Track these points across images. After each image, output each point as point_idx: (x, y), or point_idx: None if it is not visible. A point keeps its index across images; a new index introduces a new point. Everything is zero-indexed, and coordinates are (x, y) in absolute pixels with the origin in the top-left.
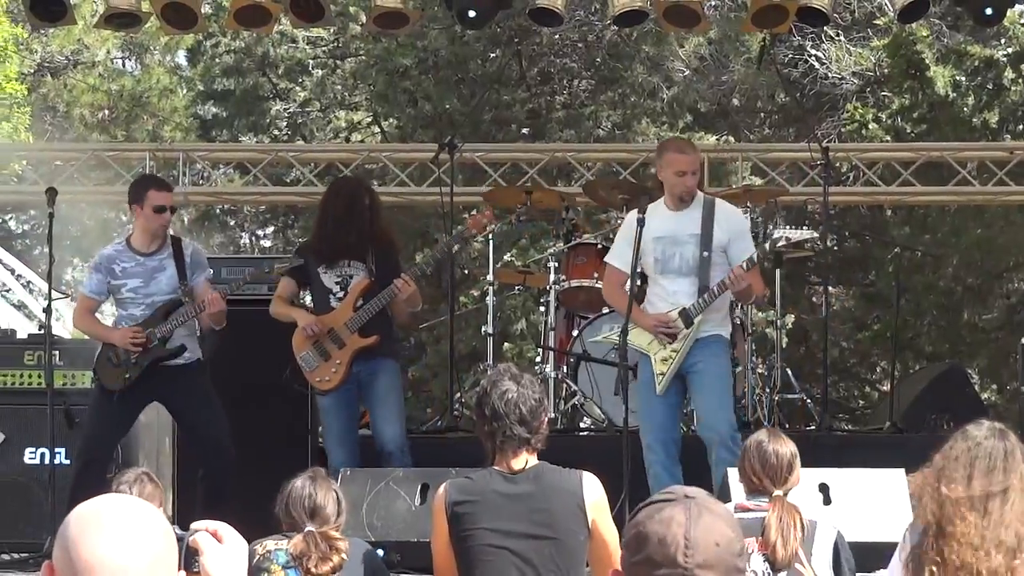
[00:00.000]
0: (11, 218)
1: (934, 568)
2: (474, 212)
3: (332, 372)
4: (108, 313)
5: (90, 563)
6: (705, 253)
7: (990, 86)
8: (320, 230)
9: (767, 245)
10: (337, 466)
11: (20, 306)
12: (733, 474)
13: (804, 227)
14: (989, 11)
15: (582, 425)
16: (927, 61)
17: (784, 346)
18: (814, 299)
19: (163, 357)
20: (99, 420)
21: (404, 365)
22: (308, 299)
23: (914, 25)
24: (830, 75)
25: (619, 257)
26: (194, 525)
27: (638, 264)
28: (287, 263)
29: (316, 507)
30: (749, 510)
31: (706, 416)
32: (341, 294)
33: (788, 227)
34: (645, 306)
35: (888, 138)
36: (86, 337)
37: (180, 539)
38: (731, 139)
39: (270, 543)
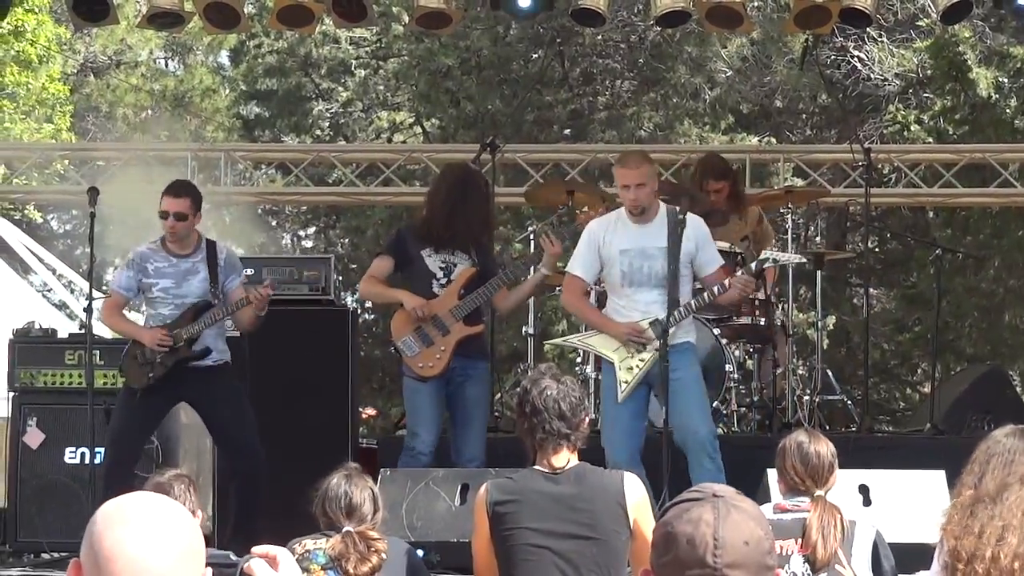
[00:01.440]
0: (53, 218)
1: (960, 566)
2: (586, 209)
3: (436, 359)
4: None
5: (111, 555)
6: (674, 266)
7: None
8: (432, 213)
9: (753, 265)
10: (418, 451)
11: (61, 306)
12: (772, 475)
13: (793, 250)
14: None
15: None
16: (969, 63)
17: (825, 347)
18: (855, 301)
19: (188, 358)
20: (124, 419)
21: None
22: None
23: (957, 27)
24: (872, 76)
25: (581, 265)
26: (254, 550)
27: (599, 273)
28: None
29: (353, 506)
30: (788, 511)
31: (686, 423)
32: (444, 280)
33: (775, 250)
34: (607, 314)
35: (930, 140)
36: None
37: (234, 565)
38: (773, 140)
39: (309, 542)
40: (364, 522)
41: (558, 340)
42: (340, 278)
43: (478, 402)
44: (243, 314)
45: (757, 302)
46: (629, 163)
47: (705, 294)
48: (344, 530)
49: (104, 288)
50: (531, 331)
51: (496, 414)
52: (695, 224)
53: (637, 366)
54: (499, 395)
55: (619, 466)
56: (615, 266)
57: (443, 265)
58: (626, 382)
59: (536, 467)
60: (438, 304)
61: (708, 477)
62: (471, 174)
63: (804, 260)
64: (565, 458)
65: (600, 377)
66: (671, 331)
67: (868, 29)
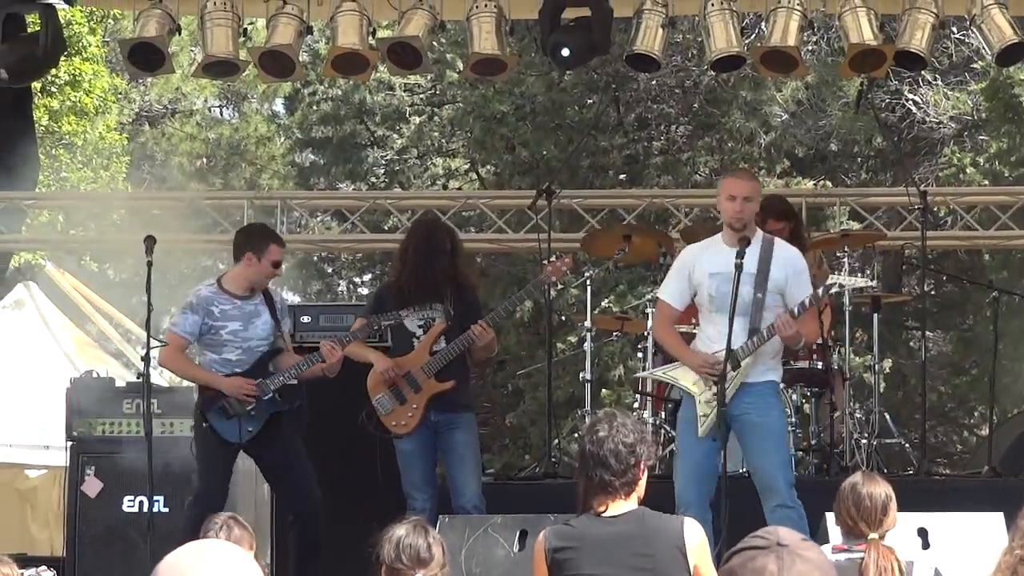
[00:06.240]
0: (108, 266)
1: None
2: (552, 259)
3: (408, 416)
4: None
5: None
6: (759, 294)
7: None
8: (401, 272)
9: (820, 291)
10: (419, 510)
11: (118, 355)
12: (831, 518)
13: (860, 274)
14: None
15: None
16: None
17: (882, 391)
18: (912, 344)
19: (282, 411)
20: (218, 471)
21: (478, 414)
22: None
23: (1012, 68)
24: (928, 119)
25: (670, 291)
26: None
27: (690, 299)
28: (387, 317)
29: (424, 556)
30: (845, 551)
31: (764, 473)
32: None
33: (844, 274)
34: (696, 344)
35: (986, 182)
36: (184, 384)
37: None
38: (829, 184)
39: None
40: (436, 571)
41: (644, 373)
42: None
43: (468, 444)
44: (314, 370)
45: (814, 346)
46: (739, 174)
47: (765, 330)
48: None
49: (161, 336)
50: (588, 376)
51: (553, 459)
52: (791, 254)
53: (715, 398)
54: (556, 441)
55: (688, 504)
56: (704, 289)
57: (421, 323)
58: (705, 415)
59: (592, 512)
60: (409, 361)
61: (788, 524)
62: (434, 229)
63: (872, 284)
64: (607, 505)
65: (657, 422)
66: (746, 366)
67: (923, 72)
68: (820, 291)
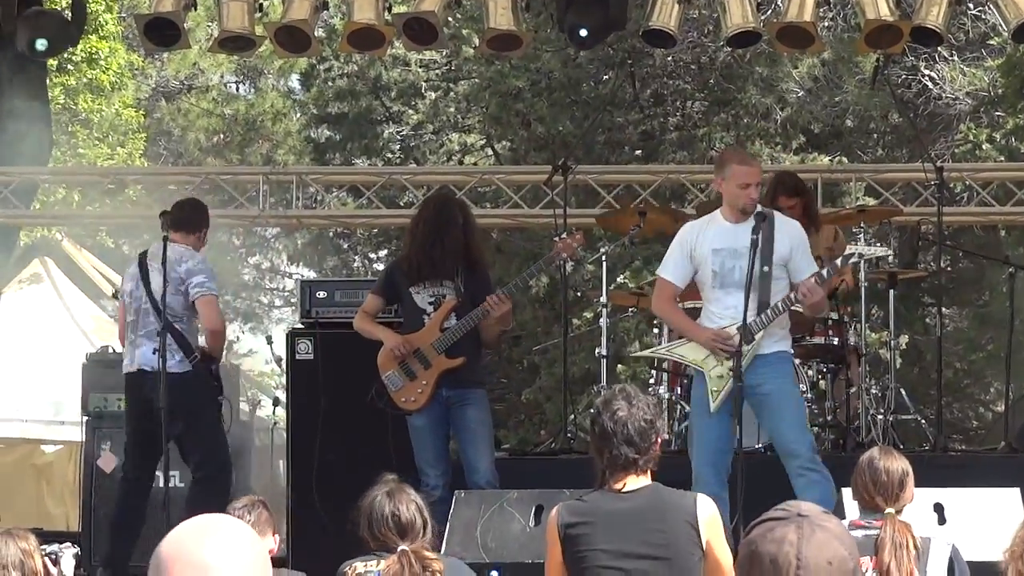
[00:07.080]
0: (124, 243)
1: None
2: (563, 235)
3: (418, 392)
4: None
5: (178, 558)
6: (766, 268)
7: None
8: (411, 247)
9: (839, 261)
10: (432, 486)
11: None
12: (847, 493)
13: (879, 244)
14: None
15: None
16: None
17: (898, 367)
18: (928, 320)
19: None
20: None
21: (490, 389)
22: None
23: None
24: (944, 95)
25: (671, 269)
26: None
27: (691, 277)
28: None
29: (403, 524)
30: (862, 527)
31: (787, 440)
32: (435, 314)
33: (864, 244)
34: (702, 320)
35: (1002, 158)
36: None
37: None
38: (844, 160)
39: (359, 564)
40: (417, 540)
41: (646, 352)
42: None
43: (480, 421)
44: None
45: (830, 322)
46: (750, 161)
47: (779, 303)
48: (400, 549)
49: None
50: (604, 352)
51: (569, 435)
52: (792, 227)
53: (727, 373)
54: (572, 416)
55: (705, 482)
56: (707, 266)
57: (432, 299)
58: (717, 391)
59: (607, 488)
60: (419, 338)
61: (815, 488)
62: (446, 204)
63: (888, 252)
64: (627, 481)
65: (673, 397)
66: (759, 339)
67: (939, 48)
68: (839, 261)
